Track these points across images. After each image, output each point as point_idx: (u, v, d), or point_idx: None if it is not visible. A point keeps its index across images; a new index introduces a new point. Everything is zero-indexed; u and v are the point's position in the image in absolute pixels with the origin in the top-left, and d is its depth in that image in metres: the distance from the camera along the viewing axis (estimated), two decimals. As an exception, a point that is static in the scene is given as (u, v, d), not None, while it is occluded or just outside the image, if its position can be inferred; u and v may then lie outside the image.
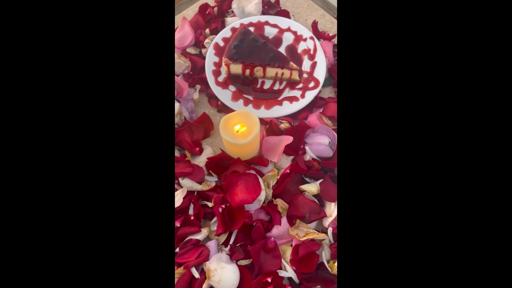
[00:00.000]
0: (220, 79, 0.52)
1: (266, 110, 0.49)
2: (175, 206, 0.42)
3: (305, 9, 0.60)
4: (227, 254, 0.40)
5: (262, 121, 0.49)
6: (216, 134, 0.50)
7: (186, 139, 0.46)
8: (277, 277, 0.39)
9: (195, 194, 0.44)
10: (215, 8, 0.58)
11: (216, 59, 0.53)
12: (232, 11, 0.58)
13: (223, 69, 0.52)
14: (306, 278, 0.40)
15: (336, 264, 0.40)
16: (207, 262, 0.39)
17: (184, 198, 0.43)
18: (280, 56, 0.50)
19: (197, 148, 0.46)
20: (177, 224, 0.41)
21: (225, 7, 0.58)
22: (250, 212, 0.42)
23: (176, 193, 0.42)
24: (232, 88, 0.51)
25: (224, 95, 0.50)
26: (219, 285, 0.37)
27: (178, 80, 0.49)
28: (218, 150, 0.48)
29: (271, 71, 0.51)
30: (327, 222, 0.42)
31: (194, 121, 0.49)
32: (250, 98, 0.51)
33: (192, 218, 0.42)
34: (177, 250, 0.41)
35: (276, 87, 0.52)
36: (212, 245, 0.40)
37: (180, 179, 0.44)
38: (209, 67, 0.52)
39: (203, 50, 0.55)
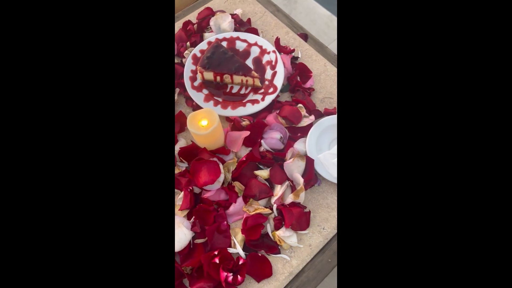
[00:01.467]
0: (196, 84, 0.62)
1: (232, 110, 0.59)
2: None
3: (272, 27, 0.71)
4: (190, 223, 0.50)
5: (228, 119, 0.59)
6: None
7: (163, 132, 0.56)
8: (224, 252, 0.47)
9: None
10: (195, 25, 0.69)
11: (193, 68, 0.63)
12: (210, 28, 0.69)
13: (198, 76, 0.62)
14: (253, 245, 0.49)
15: (277, 233, 0.49)
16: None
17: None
18: (244, 66, 0.60)
19: (172, 139, 0.56)
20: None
21: (204, 24, 0.69)
22: (212, 191, 0.52)
23: None
24: (205, 91, 0.62)
25: (198, 97, 0.60)
26: None
27: (160, 84, 0.60)
28: (190, 142, 0.58)
29: (237, 78, 0.61)
30: (273, 200, 0.51)
31: (171, 117, 0.59)
32: (220, 100, 0.61)
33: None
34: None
35: (242, 91, 0.63)
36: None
37: (156, 164, 0.54)
38: (187, 74, 0.62)
39: (184, 60, 0.66)
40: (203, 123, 0.50)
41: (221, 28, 0.68)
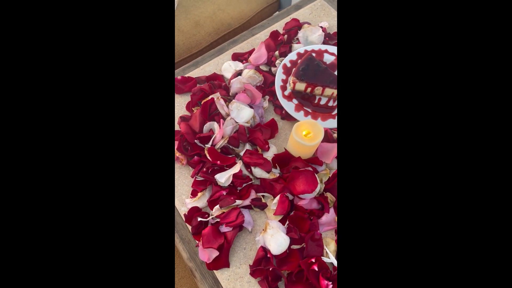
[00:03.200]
0: (286, 93, 0.64)
1: (322, 121, 0.61)
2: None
3: (357, 41, 0.72)
4: (285, 228, 0.52)
5: (318, 130, 0.61)
6: (279, 136, 0.62)
7: (260, 137, 0.58)
8: (321, 260, 0.49)
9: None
10: (285, 36, 0.71)
11: (284, 77, 0.66)
12: (298, 39, 0.71)
13: (289, 85, 0.64)
14: (347, 256, 0.50)
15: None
16: (270, 221, 0.51)
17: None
18: (337, 80, 0.62)
19: (267, 146, 0.58)
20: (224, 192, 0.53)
21: (292, 35, 0.71)
22: (306, 199, 0.54)
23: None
24: (295, 101, 0.64)
25: (289, 106, 0.63)
26: (271, 238, 0.49)
27: (253, 90, 0.62)
28: (280, 149, 0.60)
29: (328, 91, 0.63)
30: (367, 214, 0.53)
31: (264, 124, 0.62)
32: (309, 110, 0.63)
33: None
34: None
35: (330, 103, 0.64)
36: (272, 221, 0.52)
37: (252, 168, 0.56)
38: (278, 83, 0.65)
39: (273, 69, 0.68)
40: (308, 134, 0.52)
41: (309, 40, 0.70)
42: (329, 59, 0.68)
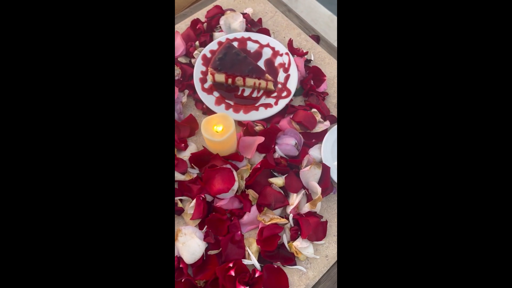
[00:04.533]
0: (206, 85, 0.60)
1: (244, 114, 0.57)
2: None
3: (284, 28, 0.69)
4: (202, 233, 0.47)
5: (240, 123, 0.57)
6: (200, 133, 0.57)
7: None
8: (240, 264, 0.45)
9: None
10: (205, 24, 0.66)
11: (204, 69, 0.61)
12: (220, 27, 0.66)
13: (209, 77, 0.60)
14: (268, 256, 0.47)
15: (294, 244, 0.47)
16: (182, 227, 0.46)
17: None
18: (257, 69, 0.58)
19: (183, 144, 0.53)
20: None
21: (213, 23, 0.66)
22: (226, 199, 0.50)
23: None
24: (216, 94, 0.59)
25: (209, 100, 0.58)
26: (182, 246, 0.45)
27: (169, 85, 0.57)
28: (201, 147, 0.55)
29: (250, 81, 0.59)
30: (289, 209, 0.50)
31: (182, 121, 0.57)
32: (231, 103, 0.59)
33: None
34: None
35: (254, 94, 0.60)
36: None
37: (166, 170, 0.51)
38: (197, 75, 0.60)
39: (193, 60, 0.63)
40: (218, 129, 0.47)
41: (232, 27, 0.66)
42: (253, 47, 0.64)
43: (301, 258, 0.48)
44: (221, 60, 0.58)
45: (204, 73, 0.60)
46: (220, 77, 0.59)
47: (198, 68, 0.60)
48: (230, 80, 0.59)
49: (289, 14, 0.71)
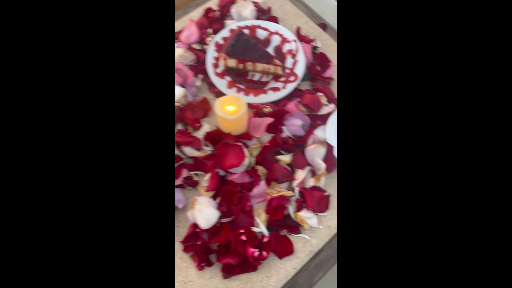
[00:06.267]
0: (218, 70, 0.64)
1: (254, 97, 0.61)
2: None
3: (292, 16, 0.72)
4: (216, 203, 0.52)
5: (250, 105, 0.61)
6: (213, 114, 0.62)
7: (189, 116, 0.58)
8: (250, 230, 0.50)
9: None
10: (217, 12, 0.70)
11: (216, 55, 0.65)
12: (231, 15, 0.70)
13: (221, 62, 0.64)
14: (276, 225, 0.52)
15: (299, 214, 0.52)
16: (198, 197, 0.51)
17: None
18: (267, 54, 0.62)
19: (197, 124, 0.58)
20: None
21: (225, 11, 0.70)
22: (237, 174, 0.54)
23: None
24: (227, 78, 0.63)
25: (221, 84, 0.62)
26: (198, 214, 0.50)
27: (185, 69, 0.61)
28: (214, 127, 0.60)
29: (259, 66, 0.63)
30: (295, 183, 0.54)
31: (196, 103, 0.61)
32: (242, 87, 0.63)
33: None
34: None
35: (264, 79, 0.64)
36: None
37: (182, 147, 0.56)
38: (209, 60, 0.64)
39: (205, 47, 0.67)
40: (231, 109, 0.52)
41: (242, 15, 0.69)
42: (262, 34, 0.67)
43: (305, 228, 0.52)
44: (233, 46, 0.62)
45: (217, 59, 0.64)
46: (232, 63, 0.63)
47: (211, 54, 0.64)
48: (241, 65, 0.63)
49: (297, 2, 0.74)
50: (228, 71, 0.64)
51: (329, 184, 0.56)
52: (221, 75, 0.63)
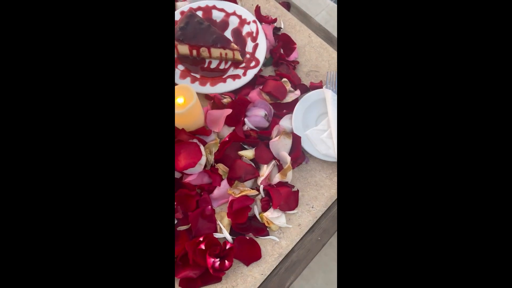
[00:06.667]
0: (170, 59, 0.56)
1: (211, 87, 0.55)
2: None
3: (252, -6, 0.65)
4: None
5: (208, 96, 0.54)
6: (167, 109, 0.55)
7: (136, 113, 0.50)
8: (210, 237, 0.44)
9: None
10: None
11: (166, 41, 0.57)
12: (183, -5, 0.62)
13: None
14: (240, 228, 0.47)
15: (265, 214, 0.47)
16: None
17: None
18: (222, 38, 0.55)
19: (147, 121, 0.51)
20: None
21: (176, -9, 0.62)
22: (193, 174, 0.48)
23: None
24: (180, 67, 0.56)
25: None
26: None
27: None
28: (167, 123, 0.53)
29: (215, 52, 0.56)
30: (259, 180, 0.49)
31: (144, 97, 0.54)
32: (197, 76, 0.56)
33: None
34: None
35: (222, 66, 0.58)
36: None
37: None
38: (159, 48, 0.56)
39: (155, 32, 0.59)
40: (179, 101, 0.45)
41: (196, -5, 0.62)
42: (218, 16, 0.60)
43: (273, 228, 0.48)
44: (183, 30, 0.55)
45: None
46: (184, 49, 0.56)
47: None
48: (194, 52, 0.56)
49: (258, -20, 0.67)
50: (180, 59, 0.57)
51: (298, 179, 0.51)
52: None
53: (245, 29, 0.59)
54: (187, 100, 0.45)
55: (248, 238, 0.46)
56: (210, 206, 0.47)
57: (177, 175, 0.49)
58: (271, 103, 0.54)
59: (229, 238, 0.46)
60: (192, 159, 0.47)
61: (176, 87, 0.46)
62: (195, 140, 0.48)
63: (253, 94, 0.55)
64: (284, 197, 0.48)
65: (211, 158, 0.50)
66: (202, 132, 0.50)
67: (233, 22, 0.60)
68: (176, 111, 0.45)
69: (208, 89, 0.54)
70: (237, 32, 0.60)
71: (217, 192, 0.48)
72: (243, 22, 0.60)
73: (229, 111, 0.50)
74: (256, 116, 0.52)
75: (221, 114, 0.51)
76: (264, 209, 0.48)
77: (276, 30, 0.61)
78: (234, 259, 0.45)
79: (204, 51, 0.56)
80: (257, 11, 0.61)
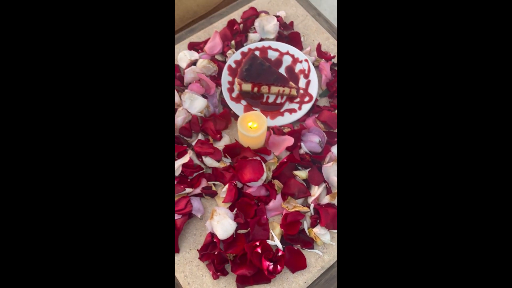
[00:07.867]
0: (234, 95, 0.64)
1: (271, 120, 0.62)
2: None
3: (313, 31, 0.73)
4: (233, 214, 0.54)
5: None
6: (232, 127, 0.63)
7: (211, 127, 0.59)
8: (265, 243, 0.52)
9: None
10: (241, 25, 0.71)
11: (230, 79, 0.65)
12: (254, 28, 0.71)
13: (236, 87, 0.65)
14: (290, 239, 0.54)
15: (313, 230, 0.54)
16: (216, 207, 0.53)
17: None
18: (282, 77, 0.63)
19: (218, 135, 0.60)
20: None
21: (248, 24, 0.71)
22: (254, 187, 0.56)
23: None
24: (243, 102, 0.64)
25: (238, 108, 0.63)
26: (217, 224, 0.51)
27: (207, 80, 0.63)
28: (233, 139, 0.62)
29: (274, 89, 0.64)
30: (310, 199, 0.56)
31: (218, 114, 0.63)
32: (258, 110, 0.64)
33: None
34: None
35: (278, 100, 0.65)
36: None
37: (203, 157, 0.58)
38: (224, 86, 0.64)
39: (226, 58, 0.68)
40: (253, 126, 0.53)
41: (265, 29, 0.70)
42: (273, 55, 0.68)
43: (318, 243, 0.54)
44: (248, 71, 0.63)
45: (231, 83, 0.65)
46: (247, 87, 0.64)
47: (225, 78, 0.65)
48: (256, 89, 0.64)
49: (319, 18, 0.76)
50: (242, 94, 0.65)
51: (343, 202, 0.57)
52: (236, 100, 0.64)
53: (298, 67, 0.67)
54: (260, 125, 0.53)
55: (296, 248, 0.53)
56: (265, 216, 0.55)
57: (239, 185, 0.57)
58: (324, 131, 0.61)
59: (280, 246, 0.53)
60: (256, 174, 0.55)
61: (251, 113, 0.54)
62: (258, 158, 0.56)
63: (309, 121, 0.63)
64: (331, 217, 0.54)
65: (270, 175, 0.57)
66: (264, 151, 0.58)
67: (287, 60, 0.68)
68: (249, 134, 0.53)
69: (269, 122, 0.62)
70: (290, 69, 0.67)
71: (272, 204, 0.56)
72: (295, 60, 0.67)
73: (291, 140, 0.57)
74: (311, 142, 0.59)
75: (282, 141, 0.59)
76: (313, 225, 0.55)
77: (334, 65, 0.68)
78: (283, 265, 0.52)
79: (264, 88, 0.64)
80: (318, 48, 0.69)
